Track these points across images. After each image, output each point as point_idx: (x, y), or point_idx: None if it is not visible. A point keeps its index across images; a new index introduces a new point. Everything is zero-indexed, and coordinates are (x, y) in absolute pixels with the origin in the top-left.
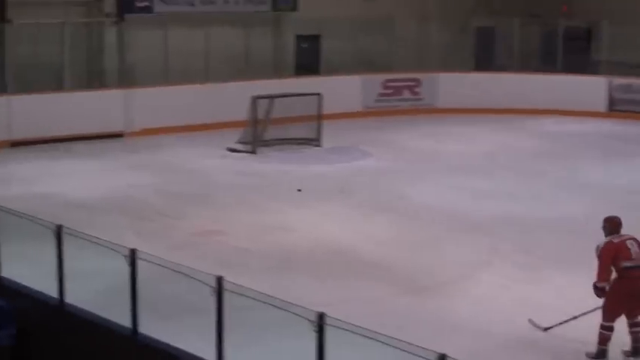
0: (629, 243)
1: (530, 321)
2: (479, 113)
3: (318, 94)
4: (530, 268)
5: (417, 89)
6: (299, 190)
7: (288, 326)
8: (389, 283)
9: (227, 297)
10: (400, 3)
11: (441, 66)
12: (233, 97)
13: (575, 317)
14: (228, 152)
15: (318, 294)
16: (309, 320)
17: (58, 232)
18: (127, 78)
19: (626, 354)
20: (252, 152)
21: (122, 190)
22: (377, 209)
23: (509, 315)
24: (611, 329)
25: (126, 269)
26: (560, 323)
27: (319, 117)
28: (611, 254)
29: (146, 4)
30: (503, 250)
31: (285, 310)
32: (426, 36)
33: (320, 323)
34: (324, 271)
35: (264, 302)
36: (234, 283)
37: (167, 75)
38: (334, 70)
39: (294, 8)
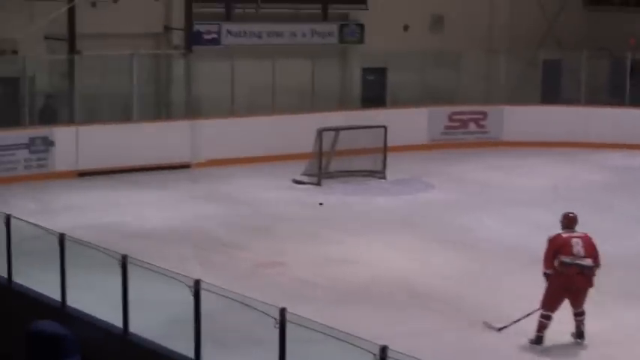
0: (574, 241)
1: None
2: (545, 146)
3: (384, 126)
4: (594, 303)
5: (482, 122)
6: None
7: (350, 359)
8: (451, 316)
9: (289, 328)
10: (467, 35)
11: (507, 99)
12: (299, 129)
13: (528, 315)
14: (294, 184)
15: (381, 326)
16: (371, 353)
17: (124, 262)
18: (193, 109)
19: (573, 336)
20: (317, 184)
21: (187, 220)
22: (440, 242)
23: (572, 349)
24: (548, 318)
25: (190, 300)
26: (514, 322)
27: (384, 149)
28: (554, 246)
29: (214, 36)
30: None
31: (348, 342)
32: (493, 69)
33: (382, 356)
34: (387, 303)
35: (327, 334)
36: (296, 315)
37: (233, 106)
38: (400, 103)
39: (360, 41)
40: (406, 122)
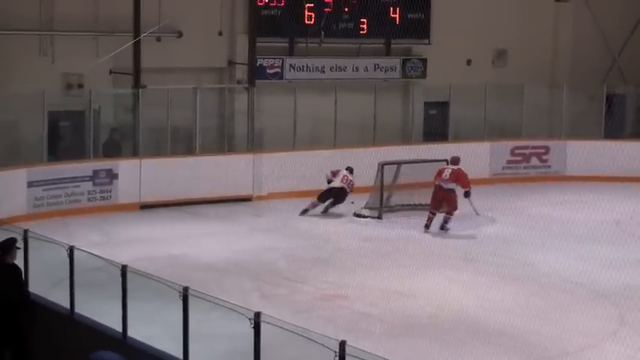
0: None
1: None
2: (608, 181)
3: (446, 160)
4: None
5: (545, 156)
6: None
7: None
8: (513, 352)
9: None
10: (530, 69)
11: (570, 133)
12: (361, 163)
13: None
14: (355, 217)
15: None
16: None
17: (185, 294)
18: (256, 143)
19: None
20: (379, 218)
21: (249, 253)
22: (502, 276)
23: None
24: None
25: (250, 332)
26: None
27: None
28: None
29: (277, 70)
30: (631, 321)
31: None
32: (556, 103)
33: None
34: (447, 338)
35: None
36: (356, 348)
37: (295, 140)
38: (462, 137)
39: (423, 75)
40: (468, 156)
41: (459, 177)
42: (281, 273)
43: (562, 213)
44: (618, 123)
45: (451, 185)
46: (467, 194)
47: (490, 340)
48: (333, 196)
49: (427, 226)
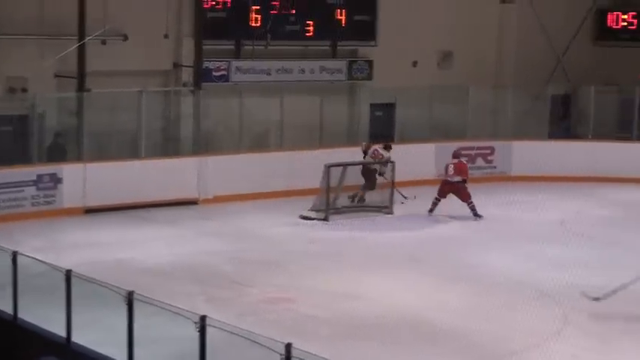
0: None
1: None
2: (553, 181)
3: (392, 161)
4: (602, 339)
5: (490, 157)
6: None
7: None
8: (459, 352)
9: None
10: (475, 70)
11: (515, 134)
12: (307, 165)
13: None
14: (301, 220)
15: None
16: None
17: (129, 299)
18: (202, 146)
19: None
20: (325, 220)
21: (194, 256)
22: (447, 277)
23: None
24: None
25: (195, 336)
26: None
27: (392, 185)
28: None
29: (223, 73)
30: (575, 320)
31: None
32: (501, 104)
33: None
34: (394, 339)
35: None
36: (302, 351)
37: (241, 143)
38: (408, 138)
39: (369, 77)
40: (414, 157)
41: (462, 170)
42: (227, 276)
43: (507, 213)
44: (562, 123)
45: (457, 178)
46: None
47: (436, 341)
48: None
49: (431, 211)
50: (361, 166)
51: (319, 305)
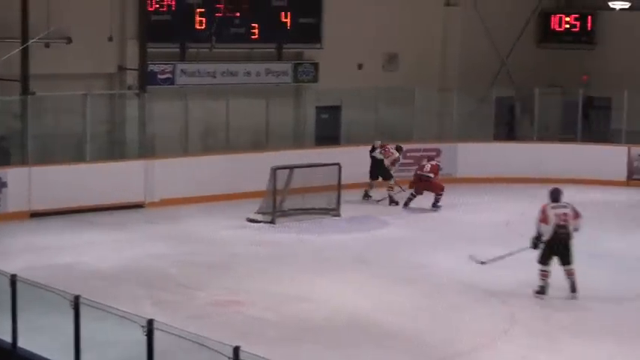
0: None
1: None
2: (498, 182)
3: (338, 164)
4: (548, 337)
5: (436, 159)
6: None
7: None
8: (407, 353)
9: None
10: (420, 73)
11: (460, 136)
12: (253, 168)
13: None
14: (248, 222)
15: None
16: None
17: (76, 303)
18: (147, 149)
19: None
20: (272, 222)
21: (141, 260)
22: (395, 279)
23: None
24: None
25: (143, 339)
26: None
27: (339, 187)
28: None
29: (168, 76)
30: (522, 319)
31: None
32: (446, 106)
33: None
34: (342, 341)
35: None
36: (251, 354)
37: (187, 146)
38: (354, 141)
39: (315, 80)
40: (360, 160)
41: (436, 171)
42: (174, 279)
43: (453, 214)
44: (507, 125)
45: (431, 174)
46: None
47: (384, 343)
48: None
49: (406, 204)
50: (371, 163)
51: (268, 308)
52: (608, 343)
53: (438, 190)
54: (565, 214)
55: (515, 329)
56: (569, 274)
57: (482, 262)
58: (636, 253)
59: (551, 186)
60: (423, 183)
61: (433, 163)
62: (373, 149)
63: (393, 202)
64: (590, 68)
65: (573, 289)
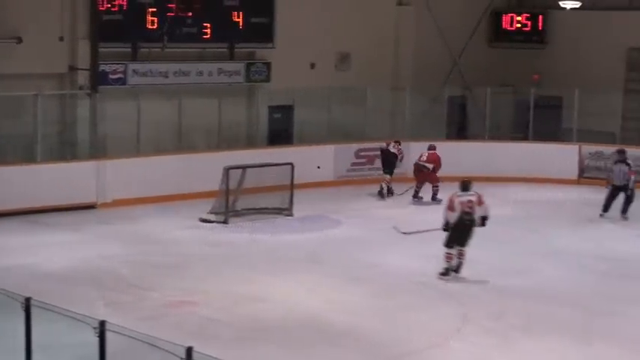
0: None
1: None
2: (450, 181)
3: (291, 163)
4: (500, 336)
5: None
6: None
7: None
8: (360, 353)
9: None
10: (373, 72)
11: (413, 135)
12: (206, 168)
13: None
14: (200, 223)
15: None
16: None
17: (26, 305)
18: (99, 149)
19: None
20: (224, 222)
21: (93, 261)
22: (348, 278)
23: None
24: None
25: (95, 341)
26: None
27: (291, 187)
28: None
29: (120, 76)
30: (474, 318)
31: None
32: (399, 105)
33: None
34: (296, 340)
35: None
36: (204, 354)
37: (140, 146)
38: (307, 140)
39: (267, 79)
40: (313, 159)
41: (434, 160)
42: (126, 280)
43: (406, 214)
44: (460, 124)
45: (429, 165)
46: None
47: (338, 342)
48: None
49: (415, 196)
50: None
51: (221, 308)
52: (560, 342)
53: (434, 182)
54: (470, 202)
55: (468, 328)
56: (460, 255)
57: (404, 233)
58: (588, 251)
59: (502, 185)
60: (422, 173)
61: (432, 152)
62: (387, 145)
63: (389, 193)
64: (541, 67)
65: (458, 270)
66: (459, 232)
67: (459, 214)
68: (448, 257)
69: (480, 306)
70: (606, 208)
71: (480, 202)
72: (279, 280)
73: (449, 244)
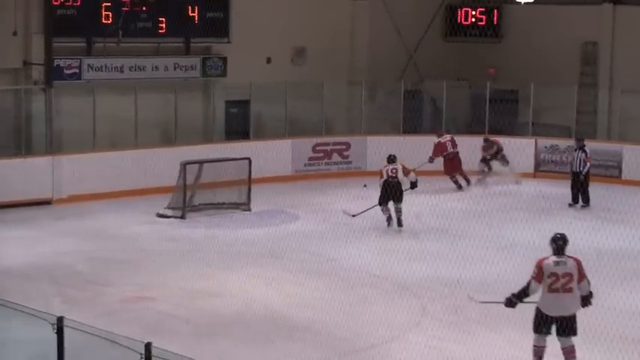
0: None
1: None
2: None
3: (248, 158)
4: (458, 329)
5: (346, 152)
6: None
7: None
8: (320, 347)
9: None
10: (329, 67)
11: (369, 129)
12: (162, 163)
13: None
14: (158, 218)
15: (248, 358)
16: None
17: None
18: (54, 145)
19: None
20: (182, 217)
21: (50, 257)
22: (306, 272)
23: None
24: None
25: (53, 338)
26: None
27: (249, 181)
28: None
29: (74, 70)
30: (432, 311)
31: None
32: (355, 100)
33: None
34: (254, 335)
35: None
36: (163, 349)
37: (95, 141)
38: (264, 135)
39: (223, 74)
40: (270, 154)
41: (455, 143)
42: (83, 276)
43: (364, 208)
44: (416, 118)
45: (455, 149)
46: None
47: (296, 336)
48: (388, 192)
49: (469, 182)
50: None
51: (179, 304)
52: (517, 334)
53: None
54: (395, 169)
55: (426, 321)
56: (397, 212)
57: (353, 215)
58: (544, 244)
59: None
60: (456, 159)
61: (449, 137)
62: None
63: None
64: (497, 62)
65: (400, 223)
66: (388, 191)
67: (386, 178)
68: (384, 211)
69: (438, 299)
70: (575, 198)
71: (407, 171)
72: (237, 275)
73: (381, 202)
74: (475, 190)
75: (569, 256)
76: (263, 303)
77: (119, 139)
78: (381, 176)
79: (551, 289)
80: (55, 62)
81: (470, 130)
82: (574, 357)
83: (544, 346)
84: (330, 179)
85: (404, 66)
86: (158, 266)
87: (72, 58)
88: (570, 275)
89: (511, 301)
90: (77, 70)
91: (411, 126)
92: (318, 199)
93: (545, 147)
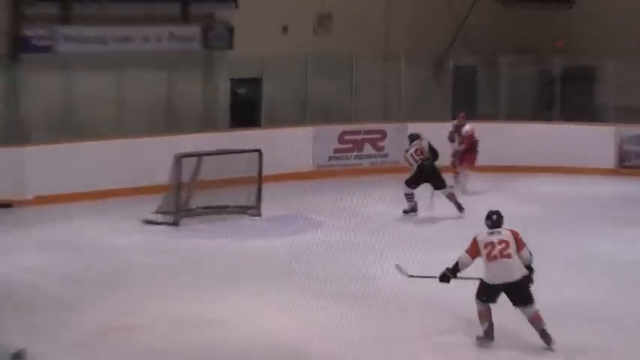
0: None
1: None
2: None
3: (258, 150)
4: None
5: (381, 143)
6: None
7: None
8: None
9: None
10: (360, 37)
11: (410, 114)
12: (152, 156)
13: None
14: (144, 225)
15: None
16: None
17: None
18: (19, 133)
19: None
20: (174, 224)
21: (10, 274)
22: (330, 295)
23: None
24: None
25: None
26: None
27: (259, 179)
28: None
29: (46, 42)
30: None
31: None
32: (392, 78)
33: None
34: None
35: None
36: None
37: (71, 129)
38: (278, 121)
39: (229, 46)
40: (286, 145)
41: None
42: (51, 298)
43: (402, 213)
44: (468, 100)
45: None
46: None
47: None
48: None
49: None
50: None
51: (168, 334)
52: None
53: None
54: (417, 150)
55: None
56: (450, 198)
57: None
58: (628, 257)
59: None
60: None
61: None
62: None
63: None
64: (568, 31)
65: (460, 207)
66: (423, 175)
67: (418, 163)
68: (409, 197)
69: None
70: None
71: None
72: (242, 299)
73: (410, 185)
74: (543, 191)
75: (505, 228)
76: (274, 333)
77: (99, 126)
78: (409, 163)
79: (490, 257)
80: (23, 32)
81: (535, 116)
82: (543, 322)
83: (488, 310)
84: (361, 176)
85: (453, 36)
86: (144, 287)
87: (43, 27)
88: (507, 242)
89: (445, 276)
90: (50, 42)
91: (463, 110)
92: (345, 201)
93: (629, 136)
